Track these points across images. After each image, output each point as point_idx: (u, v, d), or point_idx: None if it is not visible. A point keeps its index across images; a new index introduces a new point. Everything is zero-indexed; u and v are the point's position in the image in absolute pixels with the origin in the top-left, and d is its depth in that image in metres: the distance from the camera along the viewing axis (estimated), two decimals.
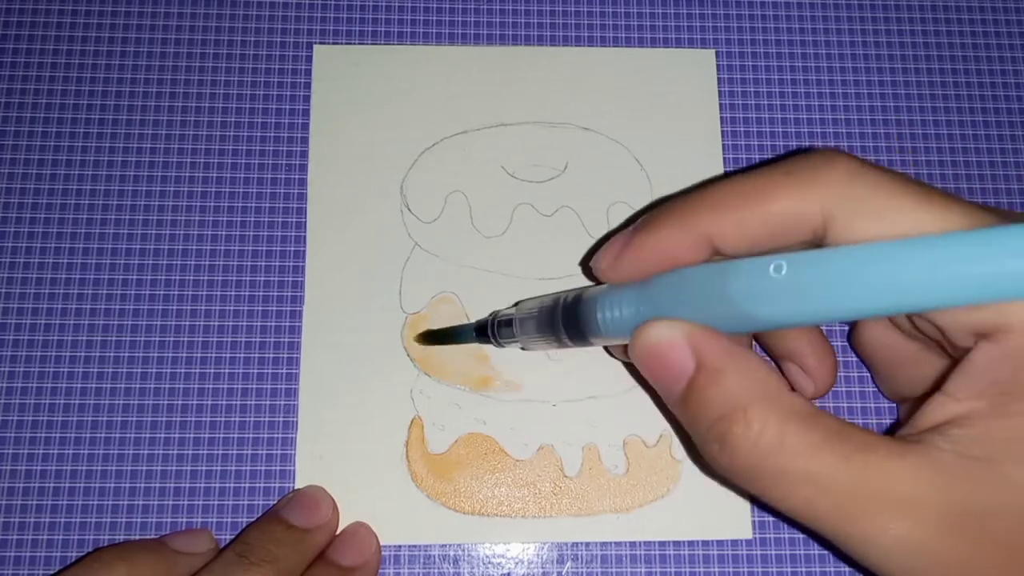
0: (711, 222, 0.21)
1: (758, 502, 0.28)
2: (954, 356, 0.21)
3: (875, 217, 0.19)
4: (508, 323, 0.27)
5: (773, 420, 0.19)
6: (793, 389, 0.26)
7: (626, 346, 0.22)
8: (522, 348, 0.27)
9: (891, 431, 0.29)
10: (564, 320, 0.25)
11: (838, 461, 0.19)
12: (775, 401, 0.19)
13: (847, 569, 0.27)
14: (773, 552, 0.28)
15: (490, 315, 0.28)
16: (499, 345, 0.27)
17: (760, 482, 0.19)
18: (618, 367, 0.29)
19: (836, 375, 0.26)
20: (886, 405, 0.29)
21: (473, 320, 0.29)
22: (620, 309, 0.23)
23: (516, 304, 0.27)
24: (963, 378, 0.19)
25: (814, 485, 0.19)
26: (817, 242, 0.20)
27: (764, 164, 0.22)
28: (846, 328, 0.29)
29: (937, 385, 0.24)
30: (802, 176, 0.20)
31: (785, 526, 0.28)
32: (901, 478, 0.18)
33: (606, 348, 0.29)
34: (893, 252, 0.18)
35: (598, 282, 0.24)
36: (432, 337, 0.29)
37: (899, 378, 0.26)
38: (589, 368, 0.29)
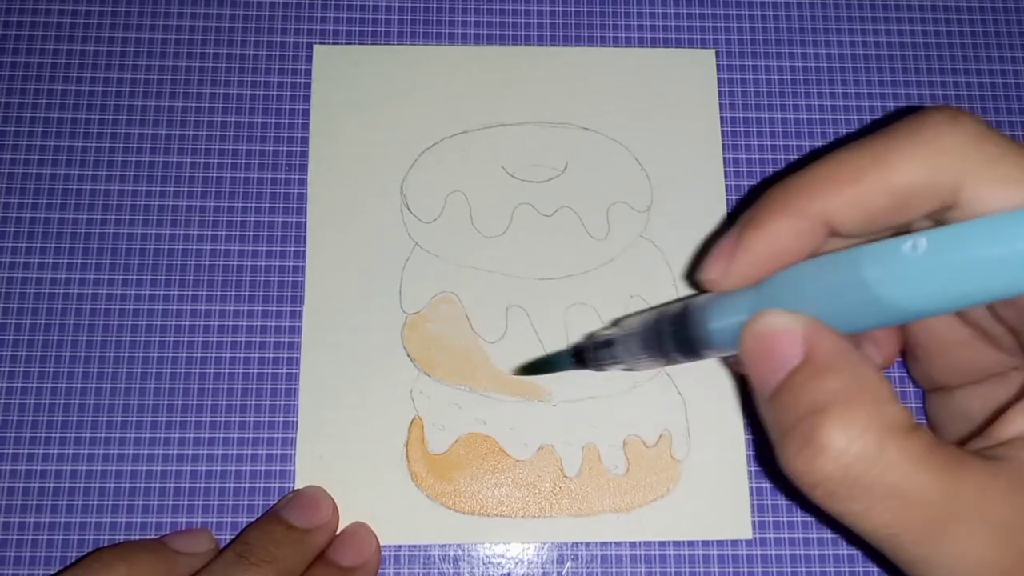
0: (826, 203, 0.19)
1: (764, 516, 0.28)
2: None
3: (1013, 183, 0.17)
4: (607, 344, 0.25)
5: (876, 426, 0.17)
6: None
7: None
8: (625, 370, 0.26)
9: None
10: (672, 335, 0.23)
11: (934, 477, 0.17)
12: (881, 407, 0.18)
13: (847, 569, 0.27)
14: (773, 552, 0.28)
15: (586, 337, 0.26)
16: (599, 368, 0.26)
17: (841, 493, 0.18)
18: None
19: (901, 343, 0.25)
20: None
21: (472, 315, 0.29)
22: (735, 315, 0.21)
23: (614, 323, 0.26)
24: None
25: (903, 502, 0.17)
26: (943, 213, 0.19)
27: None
28: None
29: (979, 379, 0.23)
30: (926, 139, 0.18)
31: (785, 526, 0.28)
32: (992, 499, 0.17)
33: (722, 361, 0.28)
34: None
35: (700, 291, 0.23)
36: (528, 369, 0.28)
37: (939, 364, 0.24)
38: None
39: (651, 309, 0.24)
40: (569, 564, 0.27)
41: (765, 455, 0.28)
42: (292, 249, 0.30)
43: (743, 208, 0.27)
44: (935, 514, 0.17)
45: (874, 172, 0.19)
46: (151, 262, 0.29)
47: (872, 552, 0.27)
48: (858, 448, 0.17)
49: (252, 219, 0.30)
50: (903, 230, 0.20)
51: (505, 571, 0.27)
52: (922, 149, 0.18)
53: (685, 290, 0.30)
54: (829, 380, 0.18)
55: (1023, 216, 0.16)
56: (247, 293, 0.29)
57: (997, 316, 0.21)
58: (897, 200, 0.19)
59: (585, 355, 0.26)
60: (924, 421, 0.28)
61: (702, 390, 0.29)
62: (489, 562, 0.27)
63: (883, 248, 0.17)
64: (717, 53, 0.32)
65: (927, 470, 0.17)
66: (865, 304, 0.18)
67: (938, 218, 0.19)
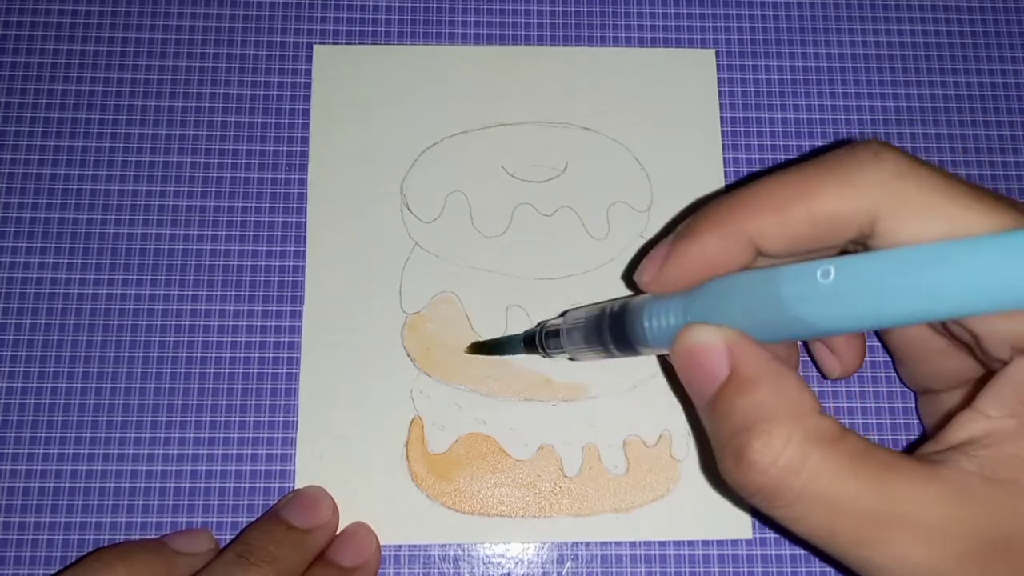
0: (753, 224, 0.21)
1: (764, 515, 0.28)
2: (986, 365, 0.21)
3: (924, 217, 0.19)
4: (555, 333, 0.26)
5: (797, 439, 0.18)
6: (820, 371, 0.26)
7: None
8: (570, 358, 0.27)
9: (912, 446, 0.29)
10: (611, 330, 0.24)
11: (861, 485, 0.18)
12: (802, 420, 0.19)
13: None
14: (773, 552, 0.28)
15: (537, 325, 0.27)
16: (546, 355, 0.27)
17: (775, 502, 0.19)
18: (617, 367, 0.29)
19: (864, 356, 0.26)
20: (902, 406, 0.29)
21: (472, 315, 0.29)
22: (667, 317, 0.22)
23: (563, 314, 0.27)
24: (995, 394, 0.19)
25: (834, 508, 0.18)
26: (863, 240, 0.20)
27: (805, 159, 0.21)
28: None
29: (962, 384, 0.24)
30: (848, 173, 0.20)
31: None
32: (925, 504, 0.18)
33: (658, 358, 0.29)
34: (942, 255, 0.17)
35: (639, 291, 0.24)
36: (480, 348, 0.29)
37: (923, 370, 0.25)
38: (589, 368, 0.29)
39: (597, 304, 0.26)
40: (569, 564, 0.27)
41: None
42: (292, 249, 0.30)
43: (685, 217, 0.28)
44: (865, 520, 0.18)
45: (797, 201, 0.20)
46: (151, 262, 0.29)
47: None
48: (783, 461, 0.18)
49: (252, 219, 0.30)
50: (827, 252, 0.21)
51: (505, 571, 0.27)
52: (844, 182, 0.19)
53: None
54: (753, 396, 0.19)
55: (921, 251, 0.17)
56: (247, 293, 0.29)
57: (951, 333, 0.21)
58: (818, 228, 0.20)
59: (535, 341, 0.27)
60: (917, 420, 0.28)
61: None
62: (489, 562, 0.27)
63: (799, 271, 0.19)
64: (717, 53, 0.32)
65: (853, 478, 0.18)
66: (782, 319, 0.19)
67: (860, 243, 0.20)
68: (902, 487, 0.18)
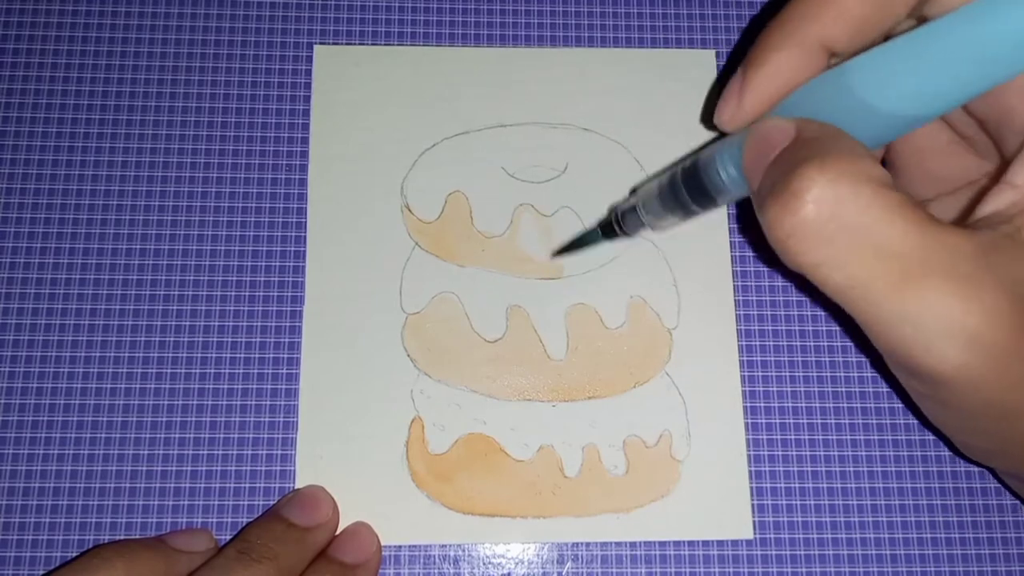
0: (819, 26, 0.20)
1: (764, 514, 0.28)
2: (1002, 149, 0.21)
3: None
4: (632, 211, 0.27)
5: (852, 173, 0.18)
6: None
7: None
8: (652, 230, 0.27)
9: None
10: (687, 188, 0.24)
11: (908, 228, 0.18)
12: (859, 162, 0.18)
13: (847, 569, 0.27)
14: (774, 552, 0.28)
15: (609, 211, 0.28)
16: (629, 236, 0.28)
17: (813, 237, 0.18)
18: (618, 367, 0.29)
19: (881, 155, 0.26)
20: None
21: (472, 315, 0.29)
22: (739, 157, 0.22)
23: (632, 192, 0.28)
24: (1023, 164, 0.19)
25: (876, 248, 0.18)
26: (923, 9, 0.20)
27: None
28: None
29: (955, 188, 0.24)
30: None
31: (786, 526, 0.28)
32: (962, 256, 0.18)
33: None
34: (986, 9, 0.17)
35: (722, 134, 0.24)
36: (565, 250, 0.29)
37: (919, 174, 0.25)
38: (588, 366, 0.29)
39: (664, 171, 0.26)
40: (569, 564, 0.27)
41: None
42: (292, 249, 0.30)
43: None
44: (906, 266, 0.18)
45: None
46: (151, 262, 0.29)
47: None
48: (833, 191, 0.18)
49: (252, 219, 0.30)
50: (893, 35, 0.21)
51: (505, 571, 0.27)
52: None
53: (685, 291, 0.30)
54: (814, 145, 0.19)
55: (969, 9, 0.17)
56: (247, 293, 0.29)
57: (973, 115, 0.22)
58: (877, 6, 0.20)
59: (613, 226, 0.28)
60: None
61: (702, 390, 0.29)
62: (489, 562, 0.27)
63: (866, 55, 0.19)
64: (717, 53, 0.32)
65: (901, 220, 0.18)
66: (856, 113, 0.19)
67: (920, 15, 0.20)
68: (942, 239, 0.18)
